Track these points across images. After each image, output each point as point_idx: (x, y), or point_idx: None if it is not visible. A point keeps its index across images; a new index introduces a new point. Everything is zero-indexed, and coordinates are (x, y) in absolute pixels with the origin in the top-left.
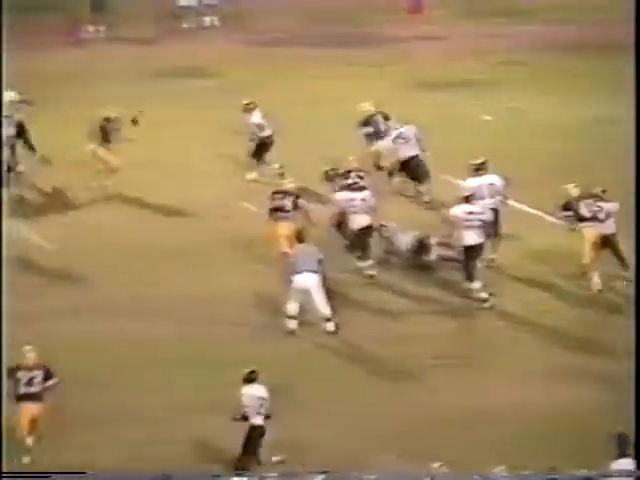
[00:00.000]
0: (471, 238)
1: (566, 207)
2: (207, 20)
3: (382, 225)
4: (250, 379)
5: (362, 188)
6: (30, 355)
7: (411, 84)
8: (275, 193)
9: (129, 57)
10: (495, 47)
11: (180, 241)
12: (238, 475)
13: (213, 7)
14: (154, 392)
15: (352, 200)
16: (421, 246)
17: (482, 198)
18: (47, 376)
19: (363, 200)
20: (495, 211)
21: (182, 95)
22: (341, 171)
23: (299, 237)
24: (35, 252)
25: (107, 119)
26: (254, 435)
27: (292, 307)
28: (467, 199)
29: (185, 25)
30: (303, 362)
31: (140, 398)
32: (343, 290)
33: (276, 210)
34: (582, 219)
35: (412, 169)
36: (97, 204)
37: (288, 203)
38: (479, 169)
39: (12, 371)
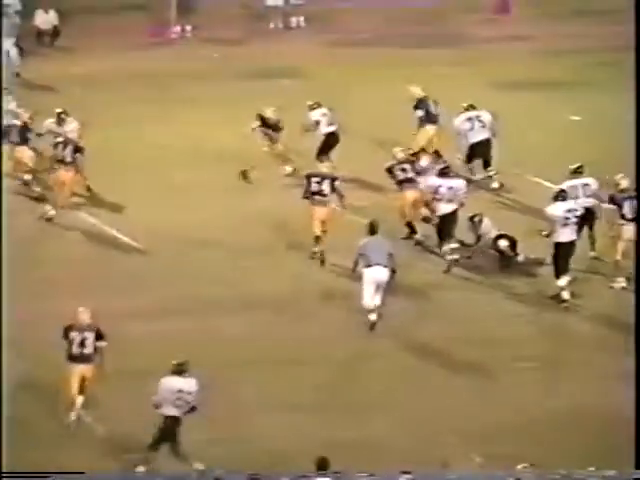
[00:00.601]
0: (565, 235)
1: (611, 199)
2: (293, 20)
3: (472, 217)
4: (178, 370)
5: (452, 175)
6: (84, 316)
7: (496, 84)
8: (311, 177)
9: (215, 58)
10: (580, 47)
11: (259, 239)
12: (322, 475)
13: (299, 7)
14: (225, 390)
15: (440, 187)
16: (511, 246)
17: (576, 197)
18: (98, 337)
19: (450, 188)
20: (590, 210)
21: (268, 95)
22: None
23: (372, 228)
24: (119, 248)
25: (266, 118)
26: (165, 425)
27: (368, 302)
28: (562, 197)
29: (271, 25)
30: (379, 361)
31: (210, 396)
32: (419, 287)
33: (314, 194)
34: (623, 217)
35: (483, 153)
36: (180, 202)
37: (326, 187)
38: (576, 172)
39: (66, 330)
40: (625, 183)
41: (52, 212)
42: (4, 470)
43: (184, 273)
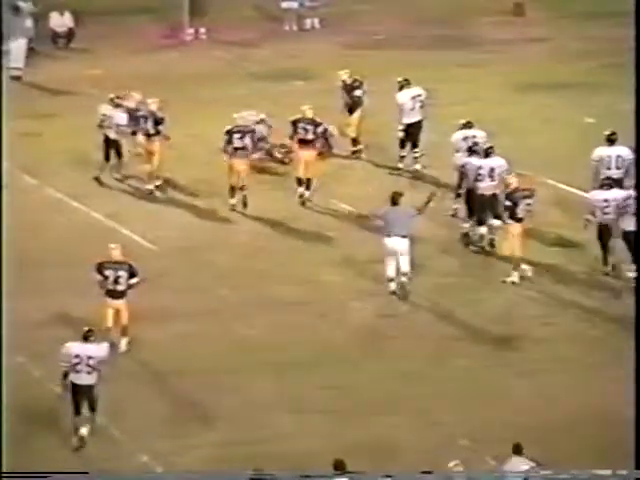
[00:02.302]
0: (603, 219)
1: (507, 197)
2: (308, 22)
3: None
4: (84, 336)
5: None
6: (115, 252)
7: (513, 86)
8: (232, 132)
9: (230, 59)
10: (595, 49)
11: (275, 240)
12: (338, 475)
13: (314, 9)
14: (239, 393)
15: (480, 167)
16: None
17: (609, 169)
18: (131, 274)
19: (492, 170)
20: (620, 181)
21: (283, 97)
22: None
23: (394, 199)
24: (137, 252)
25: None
26: (73, 393)
27: (390, 272)
28: (608, 185)
29: (286, 27)
30: (394, 362)
31: (226, 398)
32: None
33: (237, 149)
34: (513, 215)
35: (415, 135)
36: (194, 203)
37: (248, 142)
38: (610, 140)
39: (99, 267)
40: (515, 183)
41: (150, 186)
42: (4, 470)
43: (200, 275)
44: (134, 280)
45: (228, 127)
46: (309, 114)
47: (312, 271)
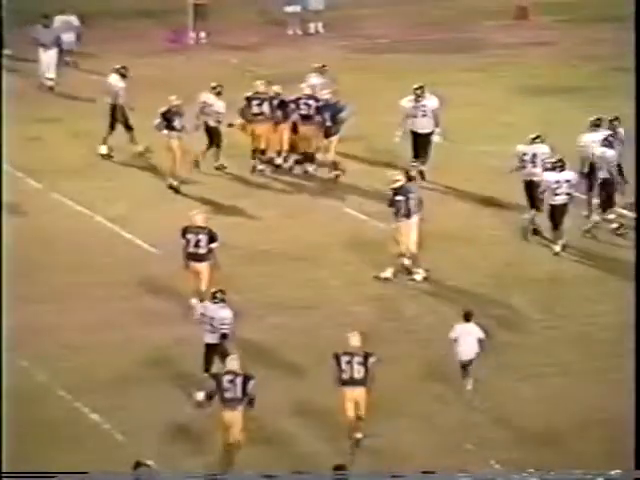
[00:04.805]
0: (553, 200)
1: (396, 193)
2: (311, 26)
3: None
4: (212, 297)
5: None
6: (198, 217)
7: (517, 89)
8: (251, 99)
9: (234, 63)
10: (599, 53)
11: (291, 245)
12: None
13: (318, 13)
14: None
15: (524, 154)
16: None
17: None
18: (211, 238)
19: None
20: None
21: None
22: None
23: (408, 176)
24: (140, 256)
25: None
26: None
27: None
28: (555, 167)
29: (290, 31)
30: (401, 366)
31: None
32: None
33: (256, 115)
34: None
35: (425, 145)
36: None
37: (266, 108)
38: (596, 125)
39: (183, 231)
40: (403, 179)
41: (170, 180)
42: (4, 470)
43: None
44: (214, 244)
45: (248, 94)
46: (308, 91)
47: (317, 273)
